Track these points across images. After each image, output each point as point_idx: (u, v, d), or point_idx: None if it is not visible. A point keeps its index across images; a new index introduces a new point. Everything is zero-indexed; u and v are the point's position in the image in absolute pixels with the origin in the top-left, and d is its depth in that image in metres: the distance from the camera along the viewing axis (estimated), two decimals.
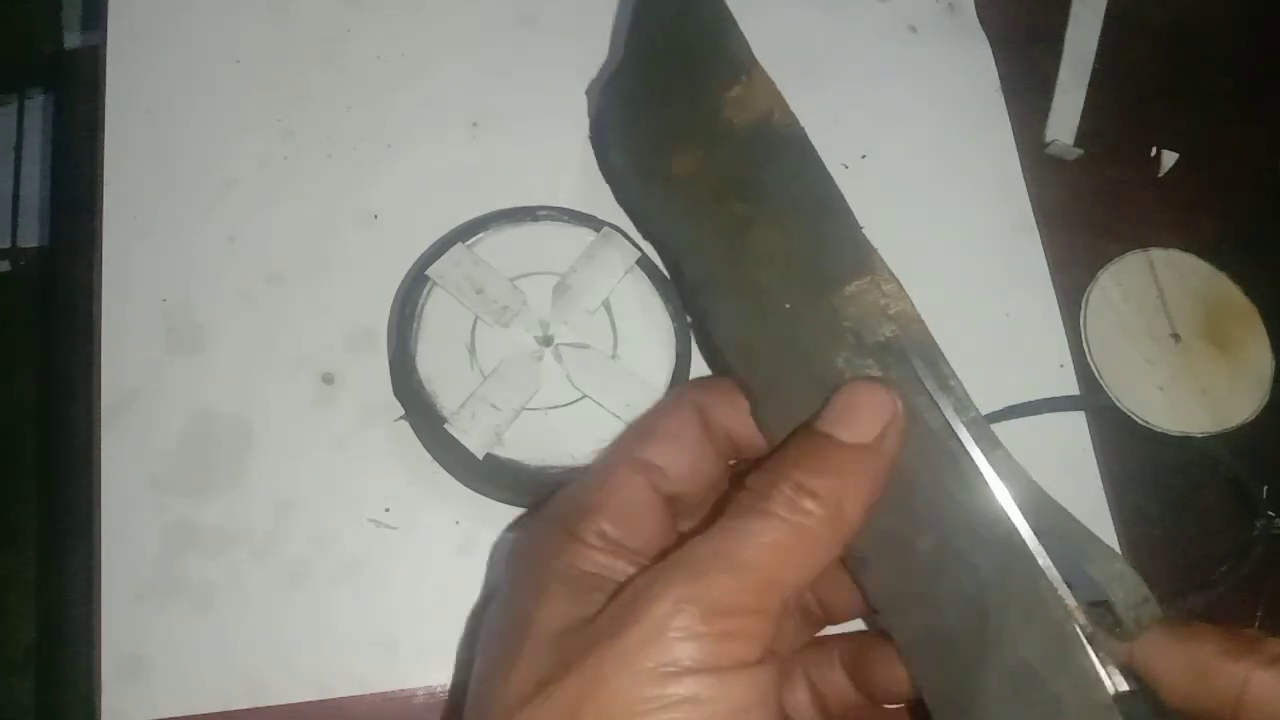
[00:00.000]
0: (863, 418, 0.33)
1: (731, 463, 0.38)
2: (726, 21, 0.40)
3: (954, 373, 0.34)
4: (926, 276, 0.50)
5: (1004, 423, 0.47)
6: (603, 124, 0.45)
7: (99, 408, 0.43)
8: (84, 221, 0.46)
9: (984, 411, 0.34)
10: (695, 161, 0.38)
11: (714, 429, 0.36)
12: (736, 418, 0.36)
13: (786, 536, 0.30)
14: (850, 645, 0.37)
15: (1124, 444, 0.49)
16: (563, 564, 0.32)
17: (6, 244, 0.59)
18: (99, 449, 0.42)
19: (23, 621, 0.55)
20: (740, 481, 0.33)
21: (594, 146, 0.48)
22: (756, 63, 0.39)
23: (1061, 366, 0.50)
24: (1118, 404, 0.50)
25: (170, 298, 0.45)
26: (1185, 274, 0.53)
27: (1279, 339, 0.52)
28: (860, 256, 0.36)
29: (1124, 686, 0.31)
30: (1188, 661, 0.33)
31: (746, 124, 0.37)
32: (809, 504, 0.30)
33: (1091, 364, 0.50)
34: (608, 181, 0.47)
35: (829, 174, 0.38)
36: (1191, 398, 0.51)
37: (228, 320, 0.45)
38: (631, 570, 0.32)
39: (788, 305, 0.35)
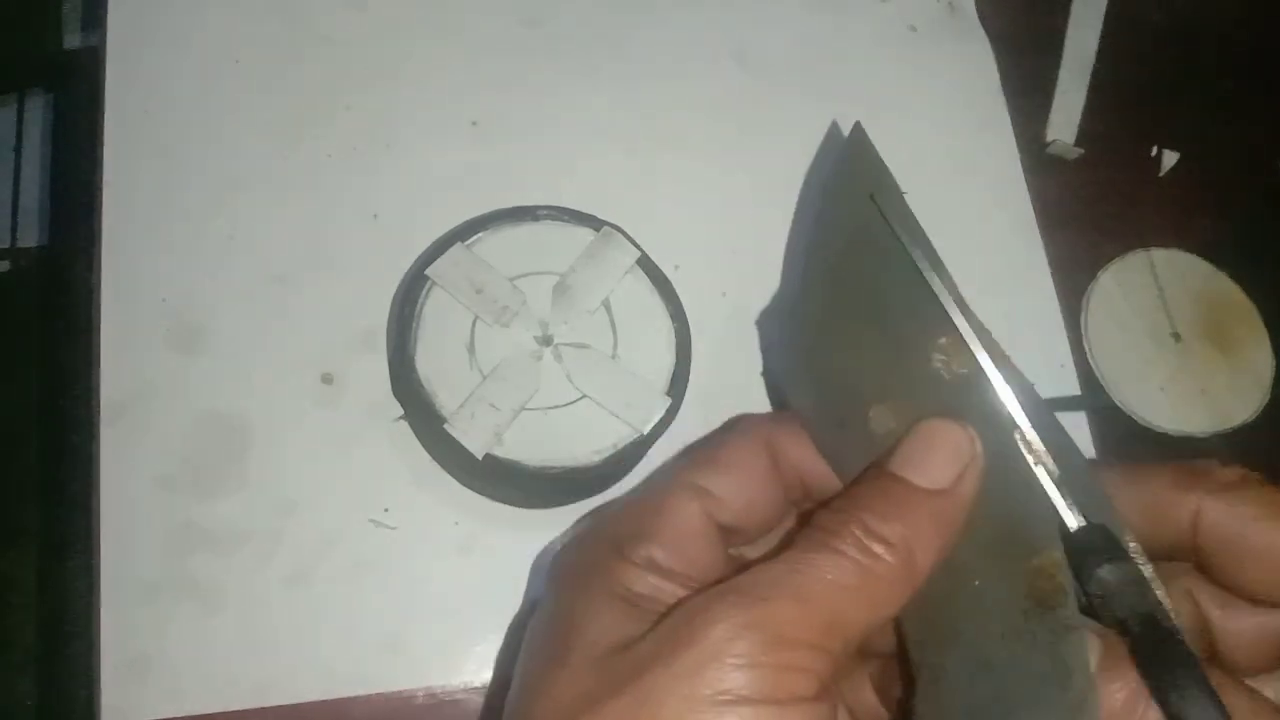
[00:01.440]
0: (938, 460, 0.31)
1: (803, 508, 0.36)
2: (922, 243, 0.35)
3: None
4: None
5: None
6: (781, 363, 0.40)
7: (99, 408, 0.43)
8: (84, 221, 0.46)
9: None
10: (895, 418, 0.34)
11: (784, 466, 0.34)
12: (810, 457, 0.34)
13: (855, 578, 0.29)
14: (880, 667, 0.36)
15: (1124, 444, 0.49)
16: (612, 582, 0.31)
17: (6, 244, 0.59)
18: (99, 449, 0.42)
19: (24, 621, 0.55)
20: (807, 519, 0.31)
21: (766, 382, 0.47)
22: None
23: (1062, 366, 0.50)
24: (1118, 404, 0.50)
25: (170, 298, 0.45)
26: (1186, 274, 0.53)
27: (1278, 339, 0.52)
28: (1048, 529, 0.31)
29: (1083, 521, 0.31)
30: (1141, 498, 0.32)
31: (957, 377, 0.33)
32: (879, 548, 0.29)
33: (1092, 363, 0.50)
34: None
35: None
36: (1192, 397, 0.51)
37: (228, 320, 0.45)
38: (682, 594, 0.31)
39: (976, 583, 0.31)
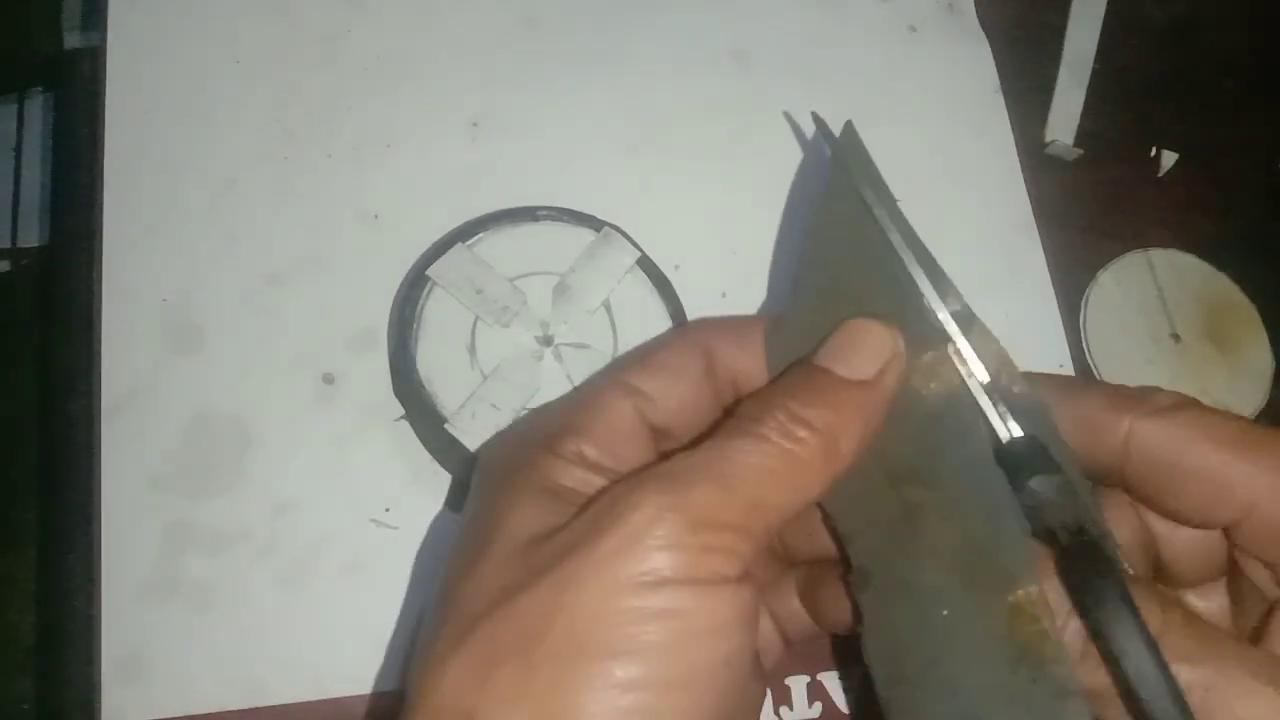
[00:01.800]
0: (862, 354, 0.32)
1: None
2: (910, 262, 0.35)
3: None
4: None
5: None
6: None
7: (99, 407, 0.43)
8: (84, 221, 0.46)
9: None
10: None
11: (719, 371, 0.34)
12: (745, 360, 0.34)
13: (777, 461, 0.29)
14: (805, 574, 0.36)
15: None
16: (538, 475, 0.30)
17: (6, 244, 0.59)
18: (99, 448, 0.42)
19: (23, 621, 0.55)
20: (731, 410, 0.32)
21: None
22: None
23: (1060, 367, 0.50)
24: None
25: (170, 297, 0.45)
26: (1185, 274, 0.53)
27: (1278, 339, 0.52)
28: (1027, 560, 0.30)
29: (1019, 433, 0.31)
30: (1077, 417, 0.32)
31: (937, 395, 0.33)
32: (802, 432, 0.29)
33: (1091, 364, 0.50)
34: None
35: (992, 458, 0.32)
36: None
37: (228, 320, 0.45)
38: (596, 488, 0.30)
39: (945, 612, 0.30)
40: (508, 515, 0.30)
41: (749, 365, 0.34)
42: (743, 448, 0.29)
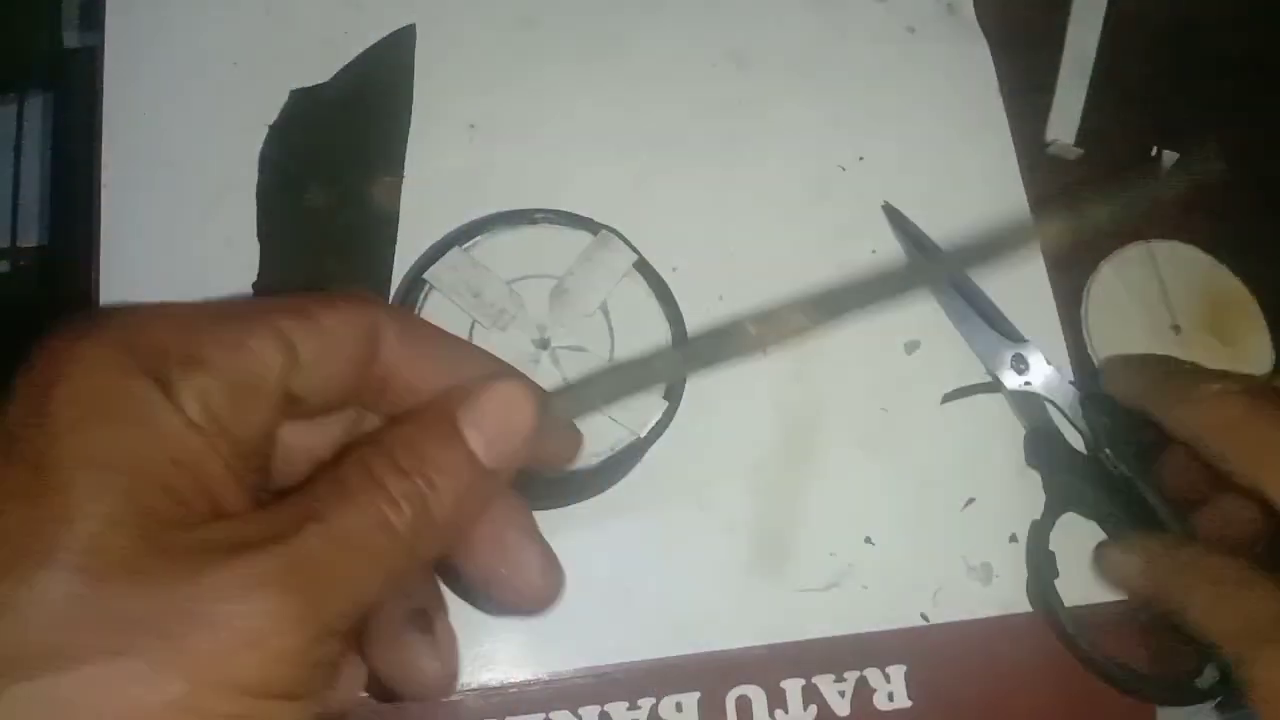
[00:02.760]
0: (507, 435, 0.28)
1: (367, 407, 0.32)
2: None
3: None
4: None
5: None
6: None
7: None
8: (82, 222, 0.46)
9: None
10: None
11: (381, 357, 0.30)
12: (408, 360, 0.30)
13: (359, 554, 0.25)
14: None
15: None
16: (137, 437, 0.24)
17: (6, 244, 0.59)
18: None
19: None
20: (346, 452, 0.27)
21: None
22: None
23: (1058, 369, 0.49)
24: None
25: (169, 298, 0.44)
26: (1186, 265, 0.53)
27: (1279, 331, 0.52)
28: None
29: None
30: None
31: None
32: (423, 521, 0.26)
33: (1092, 355, 0.50)
34: None
35: None
36: None
37: None
38: (218, 474, 0.25)
39: None
40: (81, 507, 0.22)
41: (410, 366, 0.30)
42: (365, 533, 0.25)
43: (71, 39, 0.56)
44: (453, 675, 0.30)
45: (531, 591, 0.31)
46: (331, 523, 0.24)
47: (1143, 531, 0.45)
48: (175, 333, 0.26)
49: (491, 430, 0.28)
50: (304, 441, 0.30)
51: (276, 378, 0.27)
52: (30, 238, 0.59)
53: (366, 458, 0.26)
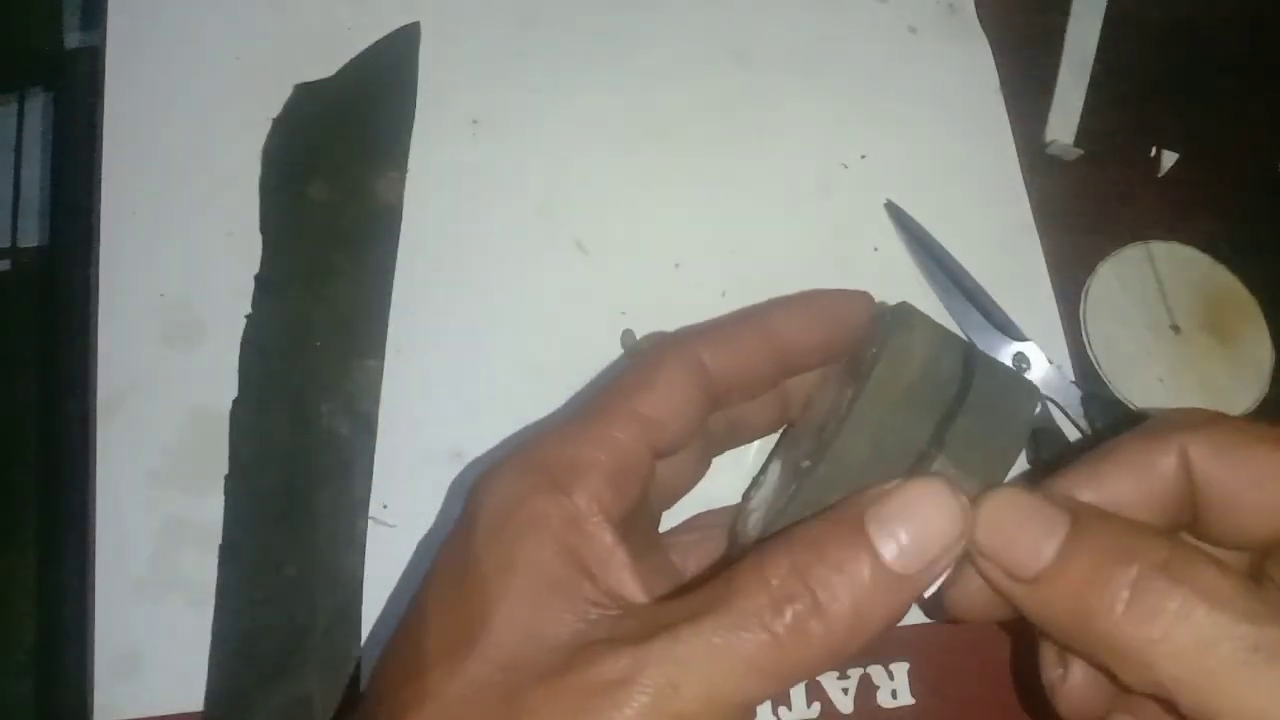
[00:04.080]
0: (917, 535, 0.27)
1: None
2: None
3: None
4: (926, 277, 0.50)
5: None
6: None
7: (95, 403, 0.43)
8: (83, 220, 0.46)
9: None
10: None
11: (712, 384, 0.33)
12: (736, 370, 0.33)
13: (771, 653, 0.26)
14: None
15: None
16: (539, 544, 0.28)
17: (6, 244, 0.59)
18: (95, 444, 0.42)
19: (24, 621, 0.55)
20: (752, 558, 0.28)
21: None
22: None
23: (1059, 368, 0.49)
24: (1117, 395, 0.50)
25: (168, 293, 0.45)
26: (1185, 266, 0.53)
27: (1279, 331, 0.52)
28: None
29: None
30: (1118, 470, 0.31)
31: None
32: (815, 624, 0.26)
33: (1091, 356, 0.50)
34: None
35: None
36: (1191, 390, 0.50)
37: (225, 316, 0.45)
38: (608, 547, 0.29)
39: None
40: (503, 601, 0.28)
41: (740, 378, 0.34)
42: (752, 640, 0.26)
43: (72, 39, 0.57)
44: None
45: None
46: (707, 624, 0.26)
47: None
48: (556, 444, 0.31)
49: (903, 528, 0.27)
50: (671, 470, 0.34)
51: (639, 452, 0.31)
52: (30, 238, 0.59)
53: (764, 552, 0.27)
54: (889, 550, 0.27)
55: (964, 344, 0.34)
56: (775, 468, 0.38)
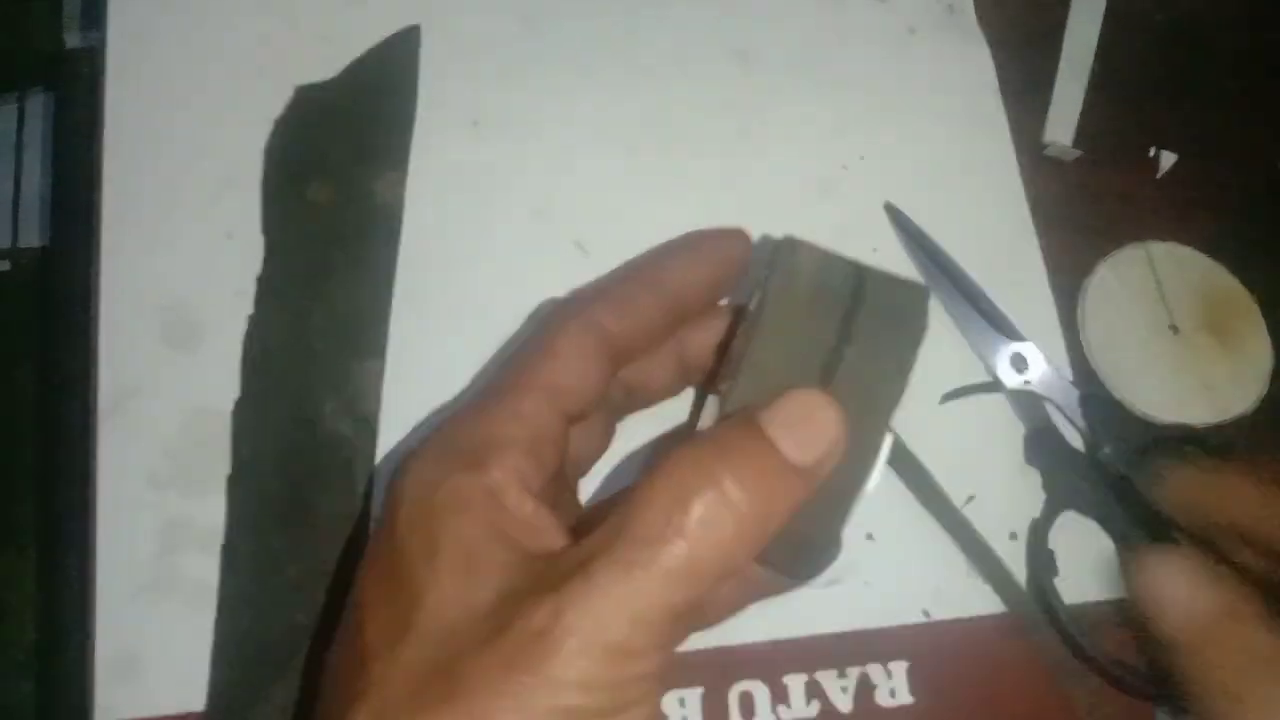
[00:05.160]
0: (811, 434, 0.30)
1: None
2: None
3: None
4: (925, 278, 0.50)
5: None
6: None
7: (96, 404, 0.43)
8: (83, 221, 0.46)
9: None
10: None
11: (612, 346, 0.35)
12: (634, 331, 0.35)
13: (701, 556, 0.27)
14: None
15: (1121, 437, 0.49)
16: (461, 522, 0.29)
17: (7, 244, 0.59)
18: (95, 446, 0.42)
19: (24, 621, 0.55)
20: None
21: None
22: None
23: (1058, 368, 0.49)
24: (1116, 396, 0.50)
25: (169, 294, 0.45)
26: (1184, 266, 0.53)
27: (1278, 331, 0.52)
28: None
29: None
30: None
31: None
32: (729, 519, 0.28)
33: (1089, 356, 0.50)
34: None
35: None
36: (1190, 390, 0.51)
37: (225, 317, 0.45)
38: (531, 515, 0.30)
39: None
40: (432, 582, 0.28)
41: (637, 335, 0.35)
42: (664, 550, 0.27)
43: (72, 39, 0.56)
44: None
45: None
46: (617, 548, 0.27)
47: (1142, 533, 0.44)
48: (473, 424, 0.31)
49: (796, 428, 0.30)
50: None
51: (554, 422, 0.32)
52: (30, 238, 0.59)
53: (662, 461, 0.29)
54: (784, 443, 0.29)
55: (850, 259, 0.35)
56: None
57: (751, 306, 0.34)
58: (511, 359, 0.34)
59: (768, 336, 0.33)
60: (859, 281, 0.34)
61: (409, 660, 0.28)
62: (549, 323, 0.35)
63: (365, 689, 0.28)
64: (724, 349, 0.40)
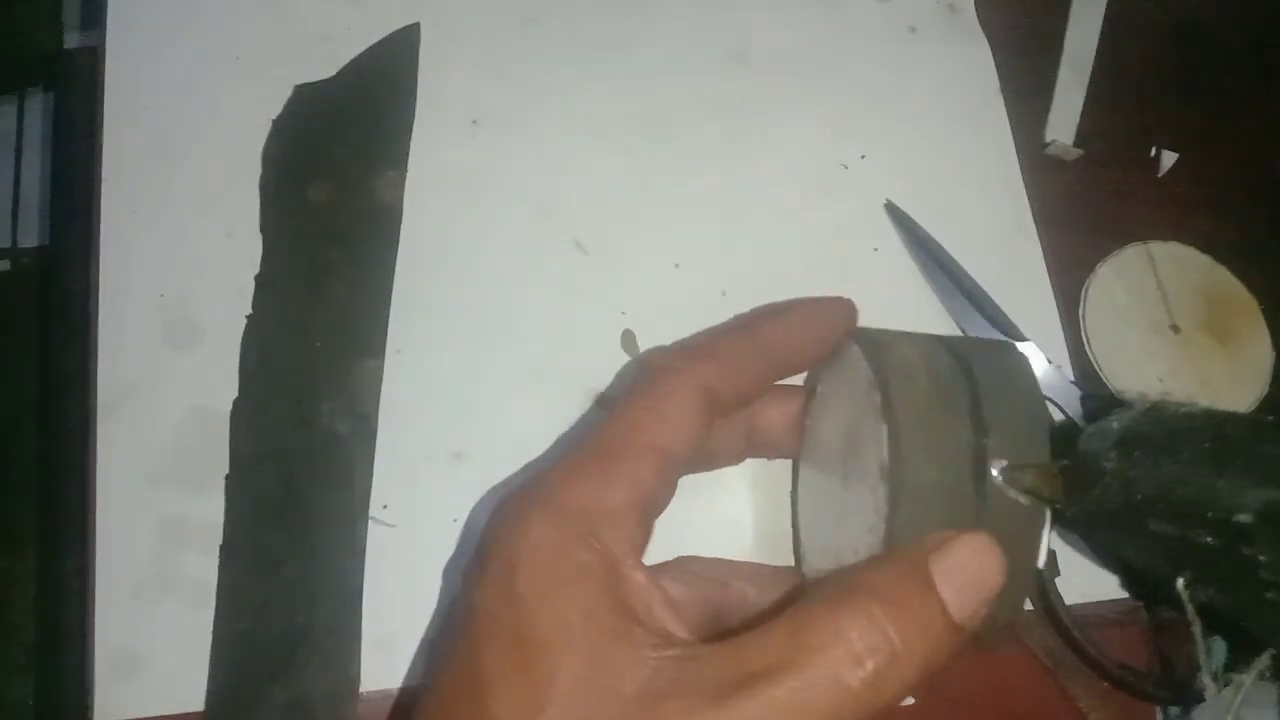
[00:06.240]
0: (971, 589, 0.29)
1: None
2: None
3: None
4: (925, 278, 0.50)
5: None
6: None
7: (95, 403, 0.43)
8: (83, 220, 0.46)
9: None
10: None
11: (715, 401, 0.34)
12: (733, 388, 0.34)
13: (855, 709, 0.27)
14: None
15: None
16: (589, 597, 0.29)
17: (6, 244, 0.59)
18: (95, 445, 0.42)
19: (23, 621, 0.55)
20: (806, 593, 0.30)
21: None
22: None
23: (1059, 368, 0.49)
24: (1117, 395, 0.50)
25: (168, 293, 0.45)
26: (1184, 266, 0.53)
27: (1278, 331, 0.52)
28: None
29: None
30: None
31: None
32: (882, 665, 0.27)
33: (1091, 356, 0.50)
34: None
35: None
36: (1191, 389, 0.50)
37: (225, 316, 0.45)
38: (645, 587, 0.30)
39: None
40: (566, 659, 0.28)
41: (740, 397, 0.35)
42: (832, 695, 0.27)
43: (71, 39, 0.57)
44: None
45: None
46: (788, 679, 0.27)
47: None
48: (587, 487, 0.31)
49: (963, 582, 0.29)
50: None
51: (662, 487, 0.32)
52: (30, 238, 0.59)
53: (833, 602, 0.28)
54: (950, 600, 0.29)
55: (934, 335, 0.35)
56: (809, 505, 0.40)
57: (825, 390, 0.34)
58: (616, 413, 0.33)
59: (916, 453, 0.32)
60: (965, 365, 0.34)
61: None
62: (657, 379, 0.34)
63: None
64: (799, 426, 0.40)
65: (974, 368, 0.33)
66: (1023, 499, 0.32)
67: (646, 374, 0.34)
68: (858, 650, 0.27)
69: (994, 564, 0.29)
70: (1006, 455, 0.32)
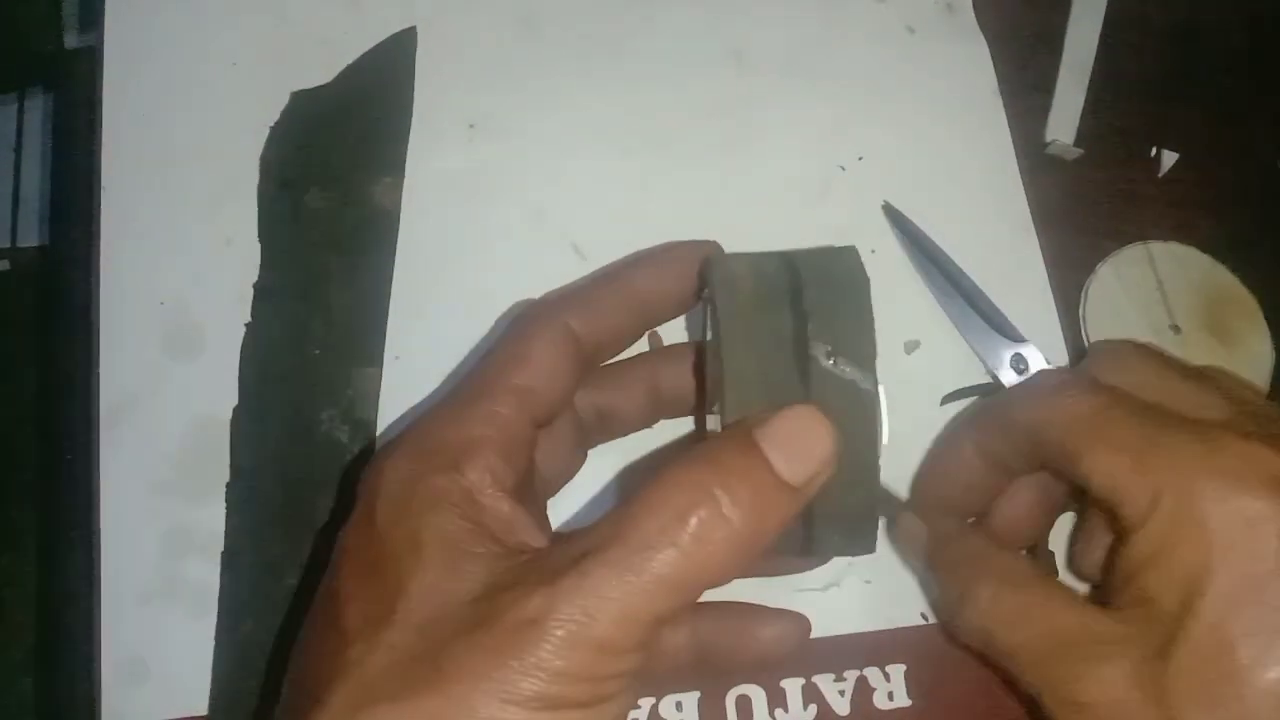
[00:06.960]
0: (803, 454, 0.30)
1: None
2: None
3: None
4: (925, 278, 0.50)
5: None
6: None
7: (97, 410, 0.43)
8: (82, 223, 0.46)
9: None
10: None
11: (583, 346, 0.36)
12: (596, 330, 0.36)
13: (689, 566, 0.28)
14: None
15: None
16: (442, 518, 0.30)
17: (6, 244, 0.59)
18: (98, 452, 0.42)
19: (24, 622, 0.55)
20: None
21: None
22: None
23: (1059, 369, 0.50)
24: None
25: (168, 300, 0.45)
26: (1185, 266, 0.53)
27: (1279, 331, 0.52)
28: None
29: None
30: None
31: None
32: (720, 533, 0.28)
33: None
34: None
35: None
36: None
37: (226, 323, 0.45)
38: (508, 514, 0.31)
39: None
40: (415, 572, 0.29)
41: (605, 340, 0.37)
42: (658, 556, 0.28)
43: (71, 39, 0.57)
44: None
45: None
46: (614, 549, 0.28)
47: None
48: (447, 427, 0.32)
49: (790, 448, 0.30)
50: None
51: (525, 426, 0.33)
52: (30, 238, 0.59)
53: (661, 473, 0.29)
54: (778, 462, 0.30)
55: (777, 250, 0.36)
56: None
57: (708, 328, 0.35)
58: (482, 361, 0.35)
59: (736, 346, 0.34)
60: (791, 265, 0.35)
61: (391, 643, 0.28)
62: (519, 325, 0.36)
63: (344, 669, 0.28)
64: (701, 379, 0.41)
65: (799, 266, 0.35)
66: (853, 378, 0.34)
67: (513, 324, 0.36)
68: (680, 507, 0.28)
69: (819, 430, 0.30)
70: (829, 340, 0.34)
